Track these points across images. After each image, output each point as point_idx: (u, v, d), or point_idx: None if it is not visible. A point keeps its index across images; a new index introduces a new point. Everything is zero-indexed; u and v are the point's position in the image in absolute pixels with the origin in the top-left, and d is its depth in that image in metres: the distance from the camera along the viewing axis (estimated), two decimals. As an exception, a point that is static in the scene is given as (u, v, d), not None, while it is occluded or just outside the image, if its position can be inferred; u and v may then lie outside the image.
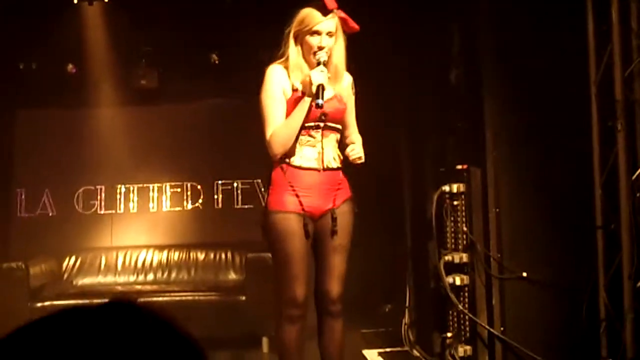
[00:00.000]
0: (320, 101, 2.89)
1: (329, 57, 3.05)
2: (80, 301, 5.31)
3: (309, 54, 3.04)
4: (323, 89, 2.91)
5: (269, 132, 3.04)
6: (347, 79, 3.21)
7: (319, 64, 2.98)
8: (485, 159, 3.93)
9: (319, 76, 2.93)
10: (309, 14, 3.05)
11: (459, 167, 4.09)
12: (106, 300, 0.83)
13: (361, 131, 3.28)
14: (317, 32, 3.02)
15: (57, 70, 6.04)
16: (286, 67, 3.08)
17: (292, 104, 3.04)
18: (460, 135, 4.26)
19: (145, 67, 6.01)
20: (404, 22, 4.80)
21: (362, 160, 3.12)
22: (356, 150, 3.10)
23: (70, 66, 6.06)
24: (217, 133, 6.00)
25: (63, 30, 5.73)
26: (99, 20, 5.76)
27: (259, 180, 6.06)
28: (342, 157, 3.16)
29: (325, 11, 3.03)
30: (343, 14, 3.08)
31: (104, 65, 5.97)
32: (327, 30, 3.03)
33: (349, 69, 3.20)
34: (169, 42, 5.85)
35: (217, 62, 5.92)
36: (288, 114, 3.04)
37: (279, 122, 3.03)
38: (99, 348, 0.74)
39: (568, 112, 3.79)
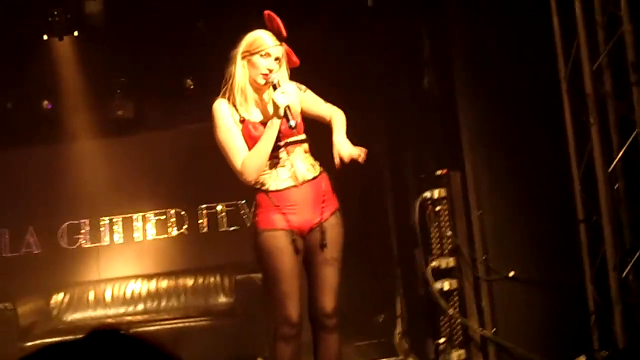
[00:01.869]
0: (292, 122, 2.92)
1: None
2: (70, 337, 5.24)
3: (256, 75, 3.06)
4: (290, 110, 2.94)
5: (238, 162, 3.05)
6: (293, 91, 3.17)
7: (274, 87, 3.00)
8: (463, 162, 3.96)
9: (282, 98, 2.96)
10: (261, 37, 3.08)
11: (439, 172, 4.11)
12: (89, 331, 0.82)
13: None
14: (268, 55, 3.06)
15: (32, 108, 6.03)
16: (229, 97, 3.10)
17: (245, 136, 3.06)
18: (437, 140, 4.29)
19: (121, 97, 6.01)
20: (376, 31, 4.84)
21: (362, 156, 3.10)
22: (347, 151, 3.09)
23: (45, 102, 6.05)
24: (197, 157, 5.98)
25: (36, 67, 5.74)
26: (71, 55, 5.77)
27: (243, 202, 6.06)
28: (317, 164, 3.16)
29: (279, 37, 3.08)
30: (287, 47, 3.13)
31: (79, 99, 5.97)
32: (276, 56, 3.07)
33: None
34: (143, 71, 5.86)
35: (192, 87, 5.94)
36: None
37: (244, 150, 3.04)
38: None
39: (542, 109, 3.83)
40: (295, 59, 3.15)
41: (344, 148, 3.09)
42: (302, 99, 3.17)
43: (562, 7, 3.57)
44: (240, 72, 3.08)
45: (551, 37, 3.62)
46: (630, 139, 3.40)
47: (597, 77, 3.51)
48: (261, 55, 3.05)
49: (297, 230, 3.08)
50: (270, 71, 3.04)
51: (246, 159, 3.04)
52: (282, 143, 3.07)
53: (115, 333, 0.80)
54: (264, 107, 3.13)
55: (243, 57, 3.09)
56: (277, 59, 3.07)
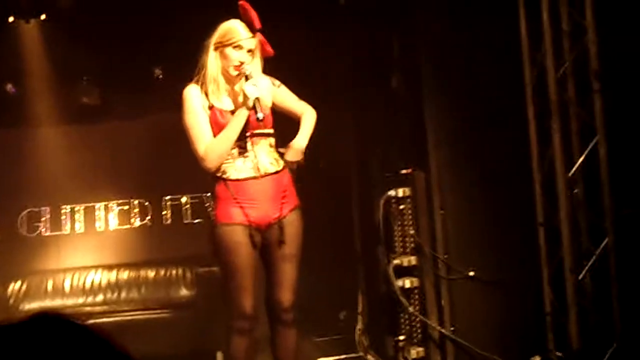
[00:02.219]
0: (260, 115, 2.94)
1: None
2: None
3: (227, 66, 3.07)
4: (259, 102, 2.95)
5: (201, 147, 3.05)
6: (265, 85, 3.19)
7: (246, 78, 3.01)
8: (428, 162, 4.01)
9: (253, 90, 2.97)
10: (234, 28, 3.08)
11: (404, 171, 4.16)
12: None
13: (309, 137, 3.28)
14: (240, 47, 3.06)
15: (-5, 90, 5.91)
16: (202, 85, 3.10)
17: (212, 122, 3.07)
18: (403, 140, 4.34)
19: (87, 84, 5.93)
20: (345, 28, 4.86)
21: (298, 162, 3.15)
22: (288, 155, 3.15)
23: (9, 86, 5.94)
24: (163, 148, 5.94)
25: (0, 49, 5.62)
26: (37, 38, 5.67)
27: (208, 194, 6.03)
28: (281, 160, 3.18)
29: (251, 29, 3.08)
30: (262, 37, 3.13)
31: (44, 84, 5.87)
32: (249, 48, 3.08)
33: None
34: (111, 58, 5.79)
35: (160, 76, 5.89)
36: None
37: (208, 137, 3.05)
38: None
39: (507, 113, 3.90)
40: (269, 49, 3.16)
41: (288, 154, 3.14)
42: (275, 94, 3.19)
43: (530, 14, 3.63)
44: (212, 62, 3.09)
45: (518, 43, 3.69)
46: (591, 146, 3.49)
47: (561, 84, 3.59)
48: (234, 47, 3.06)
49: (255, 225, 3.09)
50: (242, 63, 3.04)
51: (209, 145, 3.04)
52: (248, 134, 3.08)
53: (57, 318, 0.79)
54: (236, 96, 3.13)
55: (216, 48, 3.09)
56: (249, 50, 3.07)
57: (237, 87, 3.13)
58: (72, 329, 0.79)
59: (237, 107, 3.08)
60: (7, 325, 0.78)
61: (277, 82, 3.24)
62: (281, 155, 3.18)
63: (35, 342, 0.75)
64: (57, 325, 0.78)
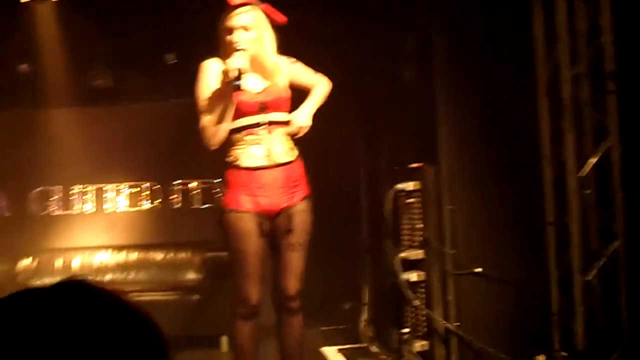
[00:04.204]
0: (237, 82, 2.88)
1: (253, 52, 3.06)
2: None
3: (232, 52, 3.05)
4: (241, 72, 2.91)
5: (200, 123, 3.05)
6: (283, 65, 3.18)
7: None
8: (438, 157, 3.99)
9: (235, 61, 2.94)
10: (225, 12, 3.07)
11: (414, 165, 4.14)
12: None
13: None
14: (231, 29, 3.04)
15: (10, 70, 5.93)
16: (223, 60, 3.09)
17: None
18: (414, 133, 4.32)
19: (100, 66, 5.94)
20: (359, 20, 4.84)
21: (304, 130, 3.13)
22: (294, 124, 3.12)
23: (23, 65, 5.96)
24: (175, 133, 5.95)
25: (16, 29, 5.63)
26: (52, 19, 5.67)
27: (218, 180, 6.04)
28: (296, 150, 3.17)
29: (231, 7, 3.05)
30: (266, 7, 3.09)
31: (58, 65, 5.88)
32: (241, 25, 3.05)
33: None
34: (125, 41, 5.79)
35: (174, 61, 5.88)
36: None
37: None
38: (52, 328, 0.74)
39: (519, 111, 3.87)
40: (277, 17, 3.13)
41: (291, 125, 3.11)
42: (291, 72, 3.18)
43: (546, 12, 3.60)
44: (223, 51, 3.09)
45: (533, 40, 3.65)
46: (604, 147, 3.46)
47: (575, 84, 3.56)
48: (227, 32, 3.05)
49: (265, 213, 3.09)
50: (235, 43, 3.02)
51: (204, 122, 3.03)
52: (266, 120, 3.06)
53: (83, 284, 0.81)
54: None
55: (222, 37, 3.10)
56: (243, 27, 3.04)
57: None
58: (100, 294, 0.80)
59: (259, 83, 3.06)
60: (34, 289, 0.79)
61: (292, 60, 3.23)
62: (294, 138, 3.15)
63: (63, 306, 0.77)
64: (84, 290, 0.80)
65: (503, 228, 3.91)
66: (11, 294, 0.78)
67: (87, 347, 0.74)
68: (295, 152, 3.16)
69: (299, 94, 3.26)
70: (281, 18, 3.13)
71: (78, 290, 0.80)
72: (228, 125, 3.05)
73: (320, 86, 3.27)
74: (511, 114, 3.87)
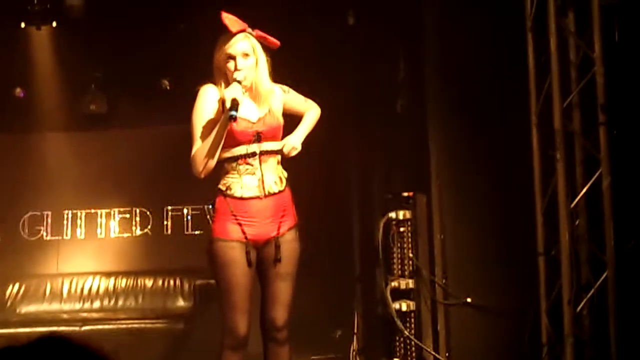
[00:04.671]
0: (233, 113, 2.85)
1: (251, 79, 3.07)
2: (23, 329, 5.19)
3: (231, 79, 3.05)
4: (237, 103, 2.90)
5: (193, 150, 3.04)
6: (277, 93, 3.20)
7: (239, 82, 2.99)
8: (430, 186, 4.00)
9: (231, 91, 2.93)
10: (221, 40, 3.08)
11: (405, 194, 4.15)
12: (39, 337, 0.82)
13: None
14: (231, 57, 3.05)
15: (4, 94, 5.94)
16: (217, 86, 3.09)
17: (229, 129, 3.05)
18: (406, 163, 4.34)
19: (95, 92, 5.96)
20: (352, 50, 4.88)
21: (296, 150, 3.13)
22: (287, 144, 3.12)
23: (17, 90, 5.98)
24: (167, 159, 5.94)
25: (11, 54, 5.66)
26: (48, 45, 5.70)
27: (209, 206, 6.02)
28: (285, 177, 3.17)
29: (232, 34, 3.06)
30: (259, 33, 3.11)
31: (53, 90, 5.90)
32: (242, 52, 3.06)
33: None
34: (119, 67, 5.82)
35: (168, 87, 5.91)
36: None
37: (200, 142, 3.04)
38: None
39: (511, 140, 3.89)
40: (271, 41, 3.13)
41: (288, 143, 3.12)
42: (285, 100, 3.18)
43: (538, 43, 3.64)
44: (221, 77, 3.09)
45: (525, 72, 3.69)
46: (594, 177, 3.48)
47: (567, 115, 3.59)
48: (226, 60, 3.06)
49: (252, 243, 3.07)
50: (238, 70, 3.03)
51: (196, 151, 3.02)
52: (258, 150, 3.06)
53: (63, 341, 0.80)
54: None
55: (217, 66, 3.10)
56: (243, 54, 3.05)
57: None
58: (77, 352, 0.79)
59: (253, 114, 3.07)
60: (14, 347, 0.78)
61: (286, 88, 3.24)
62: (283, 158, 3.15)
63: None
64: (64, 348, 0.78)
65: (494, 258, 3.91)
66: None
67: None
68: (285, 181, 3.15)
69: (290, 121, 3.27)
70: (274, 43, 3.15)
71: (58, 348, 0.78)
72: (220, 154, 3.04)
73: (311, 112, 3.29)
74: (503, 144, 3.89)
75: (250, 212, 3.05)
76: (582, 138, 3.56)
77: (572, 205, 3.56)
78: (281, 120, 3.15)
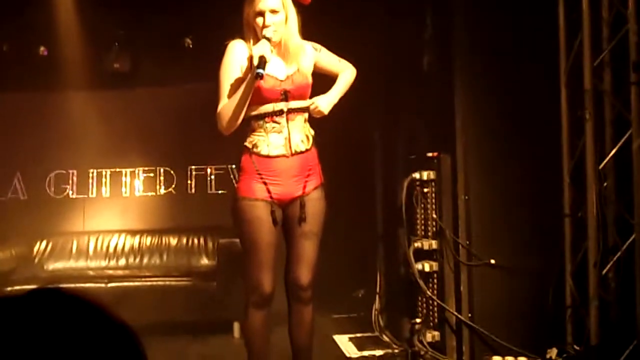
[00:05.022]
0: (260, 71, 2.83)
1: (280, 35, 3.03)
2: (50, 286, 5.26)
3: (260, 36, 3.01)
4: (264, 60, 2.87)
5: (219, 107, 3.02)
6: (308, 50, 3.15)
7: (269, 40, 2.95)
8: (455, 146, 3.95)
9: (259, 48, 2.90)
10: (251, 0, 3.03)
11: (430, 154, 4.10)
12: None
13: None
14: (260, 13, 3.01)
15: (28, 53, 5.95)
16: (247, 41, 3.05)
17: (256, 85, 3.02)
18: (431, 123, 4.28)
19: (118, 50, 5.95)
20: (377, 7, 4.79)
21: (321, 114, 3.11)
22: (315, 104, 3.09)
23: (42, 48, 5.98)
24: (191, 118, 5.95)
25: (35, 12, 5.65)
26: (72, 2, 5.68)
27: (233, 166, 6.03)
28: (312, 136, 3.14)
29: None
30: None
31: (77, 48, 5.89)
32: (270, 8, 3.01)
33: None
34: (143, 25, 5.79)
35: (190, 46, 5.88)
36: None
37: (226, 98, 3.01)
38: (25, 336, 0.73)
39: (538, 100, 3.82)
40: None
41: (316, 103, 3.10)
42: (317, 59, 3.14)
43: (569, 0, 3.54)
44: (249, 36, 3.06)
45: (555, 30, 3.59)
46: (624, 138, 3.40)
47: (597, 74, 3.50)
48: (255, 16, 3.02)
49: (277, 201, 3.06)
50: (266, 27, 2.99)
51: (222, 108, 3.00)
52: (285, 108, 3.03)
53: (56, 292, 0.80)
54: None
55: (247, 21, 3.06)
56: (272, 11, 3.01)
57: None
58: (71, 302, 0.79)
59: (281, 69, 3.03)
60: (8, 297, 0.78)
61: (318, 47, 3.19)
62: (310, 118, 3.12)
63: (31, 316, 0.75)
64: (56, 298, 0.78)
65: (519, 219, 3.86)
66: None
67: (58, 353, 0.73)
68: (311, 139, 3.12)
69: (319, 79, 3.22)
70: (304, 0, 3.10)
71: (52, 298, 0.78)
72: (247, 111, 3.02)
73: (345, 74, 3.23)
74: (531, 103, 3.81)
75: (276, 171, 3.04)
76: (613, 97, 3.48)
77: (601, 166, 3.50)
78: (310, 79, 3.11)
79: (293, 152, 3.05)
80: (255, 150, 3.04)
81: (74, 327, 0.77)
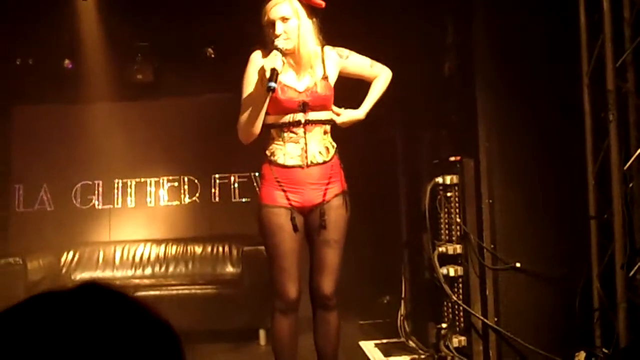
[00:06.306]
0: (272, 84, 2.82)
1: (294, 42, 3.03)
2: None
3: (271, 46, 3.01)
4: (276, 73, 2.87)
5: (239, 117, 3.04)
6: (332, 57, 3.15)
7: (280, 52, 2.95)
8: (478, 150, 3.94)
9: (270, 61, 2.89)
10: (265, 3, 3.04)
11: (452, 158, 4.09)
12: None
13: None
14: (272, 22, 3.01)
15: (53, 66, 6.05)
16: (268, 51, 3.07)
17: (274, 95, 3.03)
18: (453, 127, 4.27)
19: (141, 61, 6.02)
20: (399, 12, 4.80)
21: (347, 125, 3.14)
22: (341, 117, 3.13)
23: (66, 61, 6.08)
24: (214, 127, 6.00)
25: (59, 25, 5.74)
26: (94, 15, 5.77)
27: (256, 174, 6.07)
28: (334, 147, 3.14)
29: None
30: None
31: (100, 60, 5.99)
32: (281, 16, 3.01)
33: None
34: (165, 36, 5.86)
35: (212, 56, 5.94)
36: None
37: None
38: (70, 330, 0.75)
39: (561, 102, 3.80)
40: (317, 2, 3.07)
41: (341, 117, 3.15)
42: (343, 66, 3.14)
43: (590, 1, 3.52)
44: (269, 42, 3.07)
45: (576, 31, 3.58)
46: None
47: (620, 74, 3.47)
48: (267, 26, 3.03)
49: (298, 209, 3.07)
50: (277, 36, 3.00)
51: (240, 118, 3.03)
52: (303, 120, 3.03)
53: (104, 288, 0.82)
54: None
55: (264, 29, 3.08)
56: (282, 18, 3.01)
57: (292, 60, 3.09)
58: (118, 299, 0.81)
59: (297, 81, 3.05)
60: (56, 291, 0.80)
61: (345, 53, 3.17)
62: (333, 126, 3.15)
63: (81, 309, 0.78)
64: (104, 295, 0.81)
65: (543, 222, 3.84)
66: (31, 297, 0.80)
67: (104, 349, 0.75)
68: (332, 152, 3.11)
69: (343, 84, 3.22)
70: (318, 4, 3.10)
71: (98, 293, 0.80)
72: (267, 119, 3.04)
73: (379, 81, 3.23)
74: (553, 106, 3.79)
75: (293, 180, 3.05)
76: (636, 98, 3.45)
77: (626, 167, 3.47)
78: (331, 89, 3.10)
79: (309, 163, 3.05)
80: (273, 158, 3.06)
81: (123, 322, 0.78)
